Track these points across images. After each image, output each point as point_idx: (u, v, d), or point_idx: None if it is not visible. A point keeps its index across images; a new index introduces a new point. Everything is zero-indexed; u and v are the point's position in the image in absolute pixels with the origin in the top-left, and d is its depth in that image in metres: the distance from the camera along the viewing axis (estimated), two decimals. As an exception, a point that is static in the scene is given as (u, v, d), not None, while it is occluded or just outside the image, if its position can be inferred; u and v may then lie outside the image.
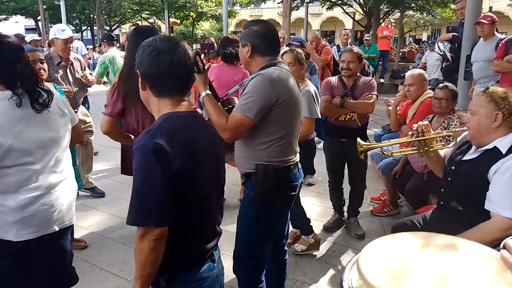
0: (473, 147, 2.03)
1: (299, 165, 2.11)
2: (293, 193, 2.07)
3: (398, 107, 3.81)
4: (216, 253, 1.51)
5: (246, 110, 1.85)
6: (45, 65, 2.77)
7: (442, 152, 2.29)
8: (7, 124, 1.64)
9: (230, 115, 1.91)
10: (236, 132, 1.89)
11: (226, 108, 2.08)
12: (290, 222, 2.43)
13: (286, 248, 2.36)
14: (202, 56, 1.94)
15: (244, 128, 1.88)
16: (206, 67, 1.96)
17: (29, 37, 10.03)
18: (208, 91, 1.96)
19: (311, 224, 3.15)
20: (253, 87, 1.87)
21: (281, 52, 2.89)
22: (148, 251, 1.25)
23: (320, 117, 3.08)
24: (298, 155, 2.09)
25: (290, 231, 2.54)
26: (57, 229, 1.80)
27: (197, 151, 1.35)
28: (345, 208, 3.57)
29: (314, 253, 3.10)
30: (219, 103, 2.06)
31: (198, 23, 30.49)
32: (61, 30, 3.44)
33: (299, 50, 3.14)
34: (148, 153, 1.23)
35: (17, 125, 1.66)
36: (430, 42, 10.85)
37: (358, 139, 2.36)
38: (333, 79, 3.35)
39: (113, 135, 2.43)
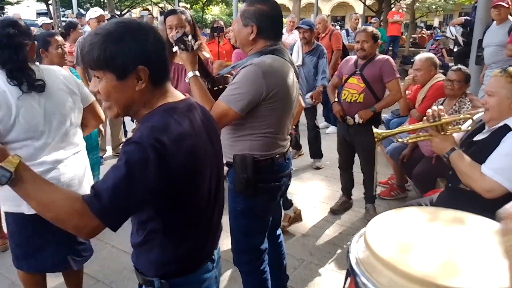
0: (486, 128, 2.03)
1: (288, 154, 1.97)
2: (277, 183, 1.93)
3: (407, 91, 3.78)
4: (217, 253, 1.37)
5: (232, 102, 1.70)
6: (60, 50, 2.81)
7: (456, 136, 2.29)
8: (12, 97, 1.69)
9: (215, 103, 1.75)
10: (219, 123, 1.66)
11: (217, 87, 1.94)
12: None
13: (280, 231, 2.27)
14: (190, 37, 1.80)
15: (229, 120, 1.73)
16: (195, 46, 1.81)
17: (40, 20, 10.03)
18: (197, 72, 1.81)
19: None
20: (244, 78, 1.70)
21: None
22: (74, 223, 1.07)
23: None
24: (286, 146, 1.96)
25: (283, 214, 2.48)
26: None
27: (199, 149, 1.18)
28: (353, 191, 3.60)
29: (320, 234, 3.17)
30: (211, 81, 1.91)
31: (208, 7, 30.13)
32: (93, 11, 4.00)
33: None
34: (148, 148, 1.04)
35: (20, 100, 1.70)
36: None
37: (374, 128, 2.22)
38: (353, 58, 3.32)
39: None
